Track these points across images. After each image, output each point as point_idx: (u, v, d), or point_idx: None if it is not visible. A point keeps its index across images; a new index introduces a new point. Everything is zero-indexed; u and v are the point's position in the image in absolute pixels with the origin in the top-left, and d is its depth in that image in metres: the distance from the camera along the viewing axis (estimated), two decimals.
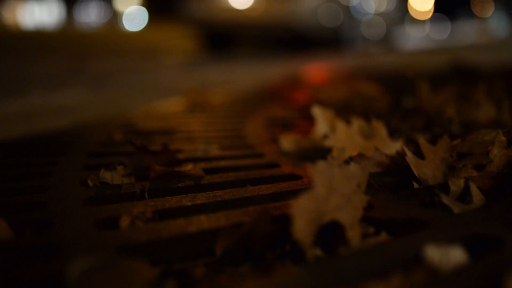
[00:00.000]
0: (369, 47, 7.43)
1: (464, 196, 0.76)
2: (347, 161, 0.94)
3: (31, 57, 5.91)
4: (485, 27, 25.28)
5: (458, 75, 2.72)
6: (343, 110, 1.61)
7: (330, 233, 0.64)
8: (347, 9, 7.08)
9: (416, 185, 0.81)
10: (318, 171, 0.62)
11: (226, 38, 6.91)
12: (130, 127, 1.37)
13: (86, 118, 1.81)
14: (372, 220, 0.68)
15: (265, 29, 6.27)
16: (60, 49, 7.99)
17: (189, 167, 0.93)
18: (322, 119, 1.12)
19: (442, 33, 23.94)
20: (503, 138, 0.81)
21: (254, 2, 6.12)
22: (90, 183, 0.85)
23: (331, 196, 0.63)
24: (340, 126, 1.03)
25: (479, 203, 0.73)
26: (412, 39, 17.57)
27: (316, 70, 3.42)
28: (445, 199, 0.71)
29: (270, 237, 0.63)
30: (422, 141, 0.89)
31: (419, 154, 0.91)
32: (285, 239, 0.64)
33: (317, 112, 1.13)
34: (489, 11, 26.03)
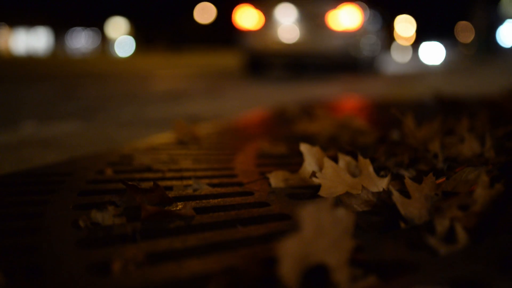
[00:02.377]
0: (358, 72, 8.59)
1: (450, 235, 0.78)
2: (336, 201, 0.96)
3: (22, 85, 5.91)
4: (467, 52, 25.82)
5: (442, 106, 2.78)
6: (331, 143, 1.63)
7: (318, 276, 0.66)
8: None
9: (403, 225, 0.83)
10: (306, 215, 0.63)
11: (271, 64, 8.63)
12: (120, 162, 1.38)
13: (76, 151, 1.82)
14: (360, 262, 0.69)
15: (304, 57, 8.21)
16: (51, 76, 8.00)
17: (179, 206, 0.94)
18: (309, 156, 1.14)
19: (430, 58, 24.50)
20: (486, 178, 0.83)
21: (299, 38, 8.09)
22: (81, 224, 0.86)
23: (318, 239, 0.64)
24: (327, 163, 1.05)
25: (465, 243, 0.75)
26: (397, 64, 17.89)
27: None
28: (432, 241, 0.72)
29: (261, 280, 0.64)
30: (408, 180, 0.91)
31: (405, 191, 0.93)
32: (276, 282, 0.65)
33: (305, 149, 1.15)
34: (470, 37, 26.60)
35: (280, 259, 0.59)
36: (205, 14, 41.58)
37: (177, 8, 41.72)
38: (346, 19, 8.15)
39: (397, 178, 1.11)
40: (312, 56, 8.19)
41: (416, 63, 19.87)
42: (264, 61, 8.51)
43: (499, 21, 26.11)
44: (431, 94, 3.22)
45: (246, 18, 8.40)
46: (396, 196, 0.86)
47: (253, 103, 3.93)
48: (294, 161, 1.38)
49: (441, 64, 18.51)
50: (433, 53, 27.47)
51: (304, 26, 8.10)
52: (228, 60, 17.71)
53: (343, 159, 1.12)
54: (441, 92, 3.17)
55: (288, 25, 8.13)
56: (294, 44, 8.12)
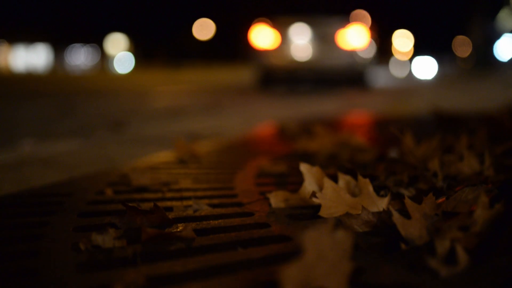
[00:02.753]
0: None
1: (451, 256, 0.78)
2: (336, 222, 0.96)
3: (21, 102, 5.93)
4: (465, 66, 25.99)
5: (440, 122, 2.79)
6: (330, 161, 1.64)
7: None
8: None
9: (403, 246, 0.83)
10: (308, 239, 0.63)
11: (283, 79, 9.04)
12: (120, 182, 1.38)
13: (75, 171, 1.82)
14: (361, 285, 0.69)
15: (315, 73, 8.75)
16: (50, 92, 8.03)
17: (180, 228, 0.94)
18: (309, 176, 1.15)
19: (423, 73, 24.68)
20: (486, 199, 0.83)
21: (312, 56, 8.62)
22: (82, 246, 0.85)
23: (319, 263, 0.64)
24: (327, 183, 1.05)
25: (465, 265, 0.75)
26: (395, 79, 18.01)
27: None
28: (432, 263, 0.72)
29: None
30: (408, 200, 0.92)
31: (405, 210, 0.93)
32: None
33: (305, 169, 1.15)
34: (467, 51, 26.80)
35: (282, 285, 0.59)
36: (204, 30, 41.84)
37: (176, 25, 41.98)
38: (355, 38, 8.72)
39: (397, 198, 1.11)
40: (322, 72, 8.71)
41: (414, 78, 19.99)
42: (277, 77, 8.96)
43: (497, 35, 26.31)
44: (430, 110, 3.23)
45: (263, 37, 8.84)
46: (396, 217, 0.86)
47: (253, 119, 3.94)
48: (294, 180, 1.38)
49: (434, 78, 18.70)
50: (426, 67, 27.69)
51: (316, 45, 8.62)
52: (227, 76, 17.79)
53: (343, 179, 1.12)
54: (440, 108, 3.19)
55: (301, 44, 8.63)
56: (306, 62, 8.64)
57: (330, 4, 9.40)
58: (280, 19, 8.79)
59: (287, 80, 9.09)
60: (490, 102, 5.09)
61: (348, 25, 8.71)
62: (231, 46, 41.57)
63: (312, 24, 8.63)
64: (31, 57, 40.17)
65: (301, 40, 8.64)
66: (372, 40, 9.32)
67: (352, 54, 8.77)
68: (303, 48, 8.65)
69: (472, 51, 24.11)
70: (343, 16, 8.88)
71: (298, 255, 0.63)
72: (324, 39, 8.64)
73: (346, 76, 8.87)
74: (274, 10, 9.36)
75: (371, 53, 9.37)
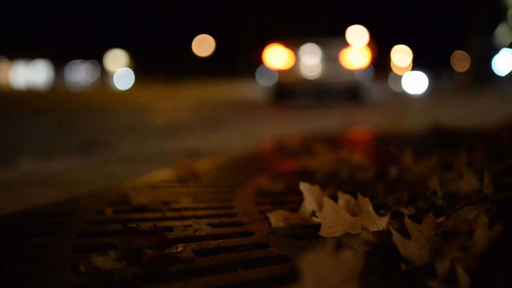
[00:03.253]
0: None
1: (451, 277, 0.78)
2: (336, 242, 0.96)
3: (21, 119, 5.94)
4: (463, 80, 26.18)
5: (439, 138, 2.79)
6: (330, 179, 1.64)
7: None
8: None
9: (403, 266, 0.83)
10: (306, 263, 0.63)
11: (294, 94, 9.95)
12: (120, 202, 1.38)
13: (75, 189, 1.82)
14: None
15: (320, 89, 9.69)
16: (50, 109, 8.05)
17: (179, 249, 0.94)
18: (309, 195, 1.15)
19: (413, 88, 25.07)
20: (485, 219, 0.83)
21: (320, 74, 9.58)
22: (82, 268, 0.85)
23: (319, 287, 0.64)
24: (327, 203, 1.05)
25: (466, 285, 0.75)
26: (393, 93, 18.15)
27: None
28: (433, 284, 0.72)
29: None
30: (407, 220, 0.92)
31: (405, 230, 0.93)
32: None
33: (304, 188, 1.15)
34: (466, 66, 26.97)
35: None
36: (203, 46, 42.06)
37: (176, 41, 42.22)
38: (357, 58, 9.72)
39: (397, 216, 1.11)
40: (326, 88, 9.69)
41: (406, 93, 20.15)
42: (288, 92, 9.90)
43: (495, 50, 26.47)
44: (429, 126, 3.24)
45: (277, 58, 9.79)
46: (396, 237, 0.86)
47: (253, 136, 3.95)
48: (293, 199, 1.38)
49: (424, 93, 19.16)
50: (416, 82, 28.13)
51: (324, 64, 9.64)
52: (227, 92, 17.85)
53: (343, 198, 1.12)
54: (439, 124, 3.19)
55: (311, 63, 9.64)
56: (315, 80, 9.64)
57: (332, 24, 10.68)
58: (292, 40, 9.72)
59: (296, 95, 9.94)
60: (489, 117, 5.10)
61: (349, 46, 9.70)
62: (231, 62, 41.82)
63: (320, 44, 9.59)
64: (31, 74, 40.34)
65: (311, 60, 9.63)
66: (371, 61, 10.11)
67: (353, 72, 9.71)
68: (312, 67, 9.64)
69: (470, 66, 24.24)
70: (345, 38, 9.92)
71: (298, 278, 0.63)
72: (330, 59, 9.61)
73: (347, 92, 9.75)
74: (284, 31, 10.62)
75: (370, 72, 10.27)
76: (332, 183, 1.51)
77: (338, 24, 10.69)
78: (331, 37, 9.80)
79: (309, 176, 1.67)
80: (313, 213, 1.06)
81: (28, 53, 40.17)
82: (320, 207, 1.10)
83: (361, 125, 4.64)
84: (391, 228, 0.89)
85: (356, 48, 9.72)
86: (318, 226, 1.04)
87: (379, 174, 1.64)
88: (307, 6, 35.33)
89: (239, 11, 38.69)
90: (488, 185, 1.28)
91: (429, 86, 27.87)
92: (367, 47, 9.90)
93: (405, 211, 1.16)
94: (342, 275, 0.67)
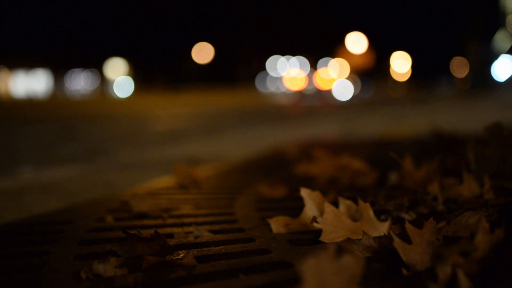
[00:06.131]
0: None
1: (453, 282, 0.78)
2: (337, 247, 0.96)
3: (21, 128, 5.95)
4: (462, 86, 26.38)
5: (439, 143, 2.79)
6: (331, 185, 1.64)
7: None
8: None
9: (404, 271, 0.83)
10: (307, 268, 0.63)
11: None
12: (121, 209, 1.38)
13: (76, 197, 1.82)
14: None
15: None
16: (50, 118, 8.05)
17: (181, 255, 0.94)
18: (310, 201, 1.15)
19: (342, 94, 26.54)
20: (486, 224, 0.83)
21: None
22: (83, 275, 0.85)
23: None
24: (328, 208, 1.05)
25: None
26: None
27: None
28: None
29: None
30: (408, 225, 0.92)
31: (406, 235, 0.93)
32: None
33: (305, 194, 1.15)
34: (465, 72, 27.10)
35: None
36: (203, 54, 42.17)
37: (175, 49, 42.31)
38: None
39: (398, 222, 1.11)
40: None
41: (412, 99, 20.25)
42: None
43: (494, 56, 26.55)
44: (430, 131, 3.24)
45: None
46: (397, 242, 0.86)
47: (252, 143, 3.95)
48: (294, 205, 1.38)
49: (349, 100, 20.94)
50: (344, 89, 30.87)
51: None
52: (226, 99, 17.88)
53: (344, 203, 1.12)
54: (439, 129, 3.19)
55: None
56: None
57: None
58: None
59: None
60: (488, 123, 5.10)
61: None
62: (230, 69, 41.91)
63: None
64: (31, 83, 40.42)
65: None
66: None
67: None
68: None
69: (469, 72, 24.30)
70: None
71: (299, 284, 0.63)
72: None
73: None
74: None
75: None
76: (332, 189, 1.51)
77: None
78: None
79: (309, 182, 1.67)
80: (314, 219, 1.06)
81: (27, 62, 40.24)
82: (321, 212, 1.10)
83: (359, 131, 4.64)
84: (392, 233, 0.89)
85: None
86: (319, 232, 1.04)
87: (380, 179, 1.64)
88: (305, 13, 35.52)
89: (238, 18, 38.83)
90: (489, 190, 1.28)
91: (355, 94, 29.74)
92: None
93: (406, 216, 1.16)
94: (344, 281, 0.67)
